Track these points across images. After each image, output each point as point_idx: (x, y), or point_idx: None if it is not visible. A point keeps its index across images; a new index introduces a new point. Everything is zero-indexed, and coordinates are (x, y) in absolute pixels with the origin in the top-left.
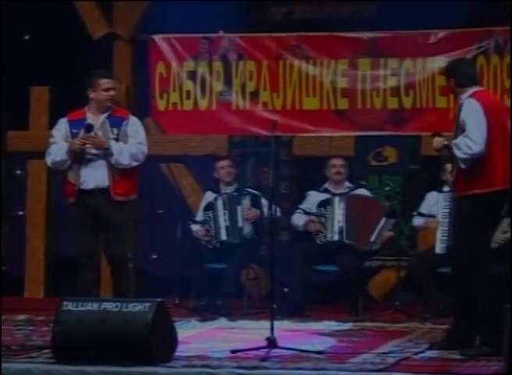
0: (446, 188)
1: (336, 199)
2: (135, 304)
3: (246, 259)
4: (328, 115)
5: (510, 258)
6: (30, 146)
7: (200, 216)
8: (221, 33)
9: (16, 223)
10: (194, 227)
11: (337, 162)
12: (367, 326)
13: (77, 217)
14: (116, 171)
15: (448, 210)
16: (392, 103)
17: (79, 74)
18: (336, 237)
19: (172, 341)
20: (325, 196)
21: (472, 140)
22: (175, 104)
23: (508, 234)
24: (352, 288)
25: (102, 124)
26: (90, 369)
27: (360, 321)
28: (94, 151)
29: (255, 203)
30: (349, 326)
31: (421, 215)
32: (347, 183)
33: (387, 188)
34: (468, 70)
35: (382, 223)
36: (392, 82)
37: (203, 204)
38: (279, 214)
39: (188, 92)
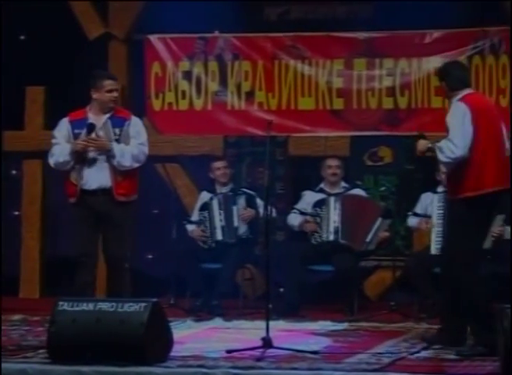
0: (440, 189)
1: (332, 199)
2: (130, 304)
3: (241, 259)
4: (323, 115)
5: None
6: (26, 146)
7: (195, 216)
8: (216, 34)
9: (12, 222)
10: (190, 227)
11: (333, 162)
12: (362, 327)
13: (77, 217)
14: (118, 172)
15: (442, 211)
16: (388, 103)
17: (74, 74)
18: (331, 237)
19: (167, 341)
20: (320, 196)
21: (454, 144)
22: (170, 104)
23: (502, 228)
24: (347, 288)
25: (104, 124)
26: (85, 369)
27: (355, 321)
28: (96, 152)
29: (251, 203)
30: (344, 326)
31: (416, 215)
32: (343, 184)
33: (382, 188)
34: (459, 73)
35: (377, 223)
36: (387, 82)
37: (198, 204)
38: (274, 214)
39: (183, 92)
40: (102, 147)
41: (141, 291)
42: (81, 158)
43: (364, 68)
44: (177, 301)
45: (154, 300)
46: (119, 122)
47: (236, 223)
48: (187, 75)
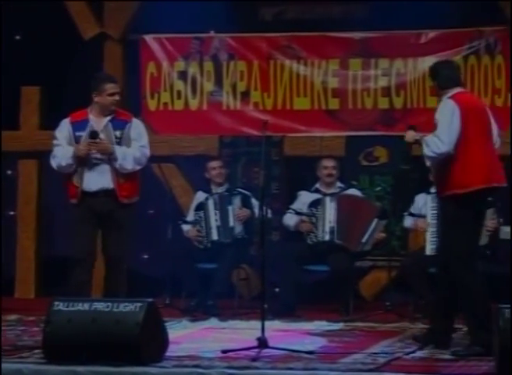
0: (433, 189)
1: (327, 199)
2: (126, 304)
3: (237, 259)
4: (319, 115)
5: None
6: (21, 146)
7: (191, 216)
8: (212, 34)
9: (7, 223)
10: (185, 227)
11: (329, 163)
12: (358, 327)
13: (78, 218)
14: (120, 175)
15: (436, 211)
16: (383, 103)
17: (70, 74)
18: (327, 238)
19: (162, 341)
20: (316, 196)
21: (441, 140)
22: (166, 104)
23: (495, 221)
24: (343, 288)
25: (105, 127)
26: (80, 369)
27: (351, 321)
28: (98, 155)
29: (246, 203)
30: (340, 326)
31: (412, 215)
32: (338, 184)
33: (378, 188)
34: (449, 72)
35: (373, 224)
36: (383, 82)
37: (194, 204)
38: (270, 215)
39: (179, 92)
40: (104, 150)
41: (137, 291)
42: (83, 162)
43: (359, 68)
44: (173, 301)
45: (150, 300)
46: (120, 124)
47: (231, 223)
48: (183, 75)
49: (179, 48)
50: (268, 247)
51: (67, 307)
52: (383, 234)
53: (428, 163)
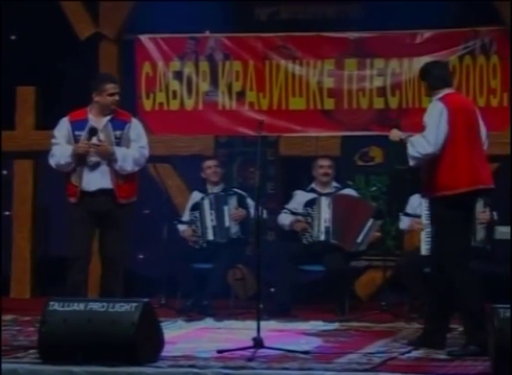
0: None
1: (323, 199)
2: (121, 304)
3: (232, 259)
4: (314, 115)
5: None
6: (17, 146)
7: (186, 216)
8: (207, 34)
9: (3, 223)
10: (181, 227)
11: (325, 162)
12: (353, 326)
13: (76, 217)
14: (120, 175)
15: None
16: (379, 103)
17: (65, 74)
18: (322, 237)
19: (158, 341)
20: (311, 196)
21: (427, 140)
22: (161, 104)
23: (485, 212)
24: (338, 288)
25: (105, 127)
26: (76, 369)
27: (346, 321)
28: (97, 157)
29: (242, 203)
30: (335, 326)
31: (407, 215)
32: (334, 183)
33: (373, 188)
34: (440, 73)
35: (369, 224)
36: (378, 82)
37: (190, 204)
38: (265, 215)
39: (174, 92)
40: (105, 152)
41: (132, 291)
42: (82, 161)
43: (354, 68)
44: (168, 302)
45: (145, 300)
46: (119, 124)
47: (227, 223)
48: (178, 75)
49: (174, 48)
50: (264, 247)
51: (63, 307)
52: (379, 234)
53: (411, 163)
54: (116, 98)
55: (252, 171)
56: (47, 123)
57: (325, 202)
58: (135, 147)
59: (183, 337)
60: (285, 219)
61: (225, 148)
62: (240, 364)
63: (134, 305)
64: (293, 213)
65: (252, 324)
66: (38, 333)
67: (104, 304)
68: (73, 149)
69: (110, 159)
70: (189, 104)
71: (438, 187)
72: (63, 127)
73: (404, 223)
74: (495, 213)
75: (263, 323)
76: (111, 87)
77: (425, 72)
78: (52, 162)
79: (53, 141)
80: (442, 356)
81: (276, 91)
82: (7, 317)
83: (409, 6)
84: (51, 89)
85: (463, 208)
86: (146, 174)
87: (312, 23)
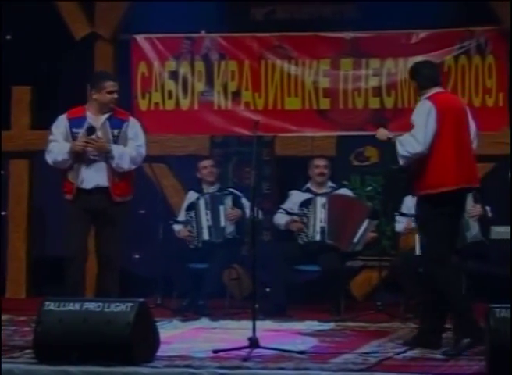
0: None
1: (318, 199)
2: (117, 304)
3: (228, 259)
4: (310, 115)
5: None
6: (12, 146)
7: (182, 216)
8: (203, 33)
9: None
10: (177, 227)
11: (321, 162)
12: (349, 326)
13: (72, 215)
14: (116, 173)
15: None
16: (374, 103)
17: (61, 74)
18: (317, 237)
19: (154, 341)
20: (307, 196)
21: (416, 139)
22: (157, 104)
23: (475, 206)
24: (334, 288)
25: (103, 125)
26: (72, 369)
27: (342, 321)
28: (95, 153)
29: (237, 203)
30: (331, 326)
31: (403, 215)
32: (330, 183)
33: (369, 188)
34: (428, 72)
35: (365, 224)
36: (373, 82)
37: (185, 204)
38: (261, 215)
39: (170, 92)
40: (101, 148)
41: (128, 291)
42: (80, 158)
43: (350, 68)
44: (164, 301)
45: (141, 300)
46: (117, 123)
47: (222, 223)
48: (174, 75)
49: (170, 48)
50: (259, 247)
51: (58, 307)
52: (374, 234)
53: (401, 162)
54: (115, 96)
55: (247, 171)
56: (42, 122)
57: (320, 202)
58: (132, 145)
59: (178, 337)
60: (280, 219)
61: (221, 148)
62: (235, 364)
63: (130, 305)
64: (289, 213)
65: (247, 324)
66: (34, 333)
67: (100, 304)
68: (71, 146)
69: (107, 157)
70: (184, 104)
71: (423, 185)
72: (61, 124)
73: (400, 225)
74: (488, 208)
75: (258, 323)
76: (110, 85)
77: (415, 72)
78: (49, 158)
79: (50, 137)
80: (438, 356)
81: (272, 90)
82: (3, 317)
83: (404, 6)
84: (46, 89)
85: (448, 207)
86: (142, 174)
87: (308, 23)
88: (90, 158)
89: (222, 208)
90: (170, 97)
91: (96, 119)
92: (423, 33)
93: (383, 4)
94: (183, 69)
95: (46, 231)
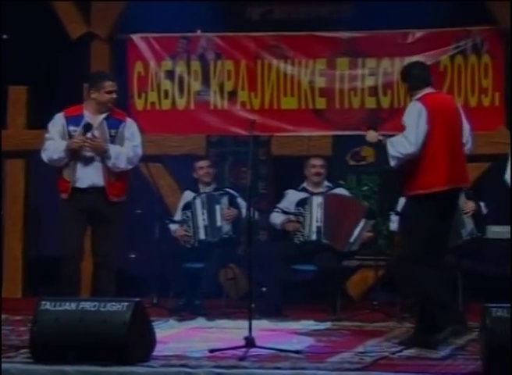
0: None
1: (315, 198)
2: (113, 303)
3: (224, 259)
4: (306, 114)
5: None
6: (8, 146)
7: (178, 216)
8: (199, 33)
9: None
10: (173, 227)
11: (317, 162)
12: (345, 326)
13: (67, 214)
14: (112, 173)
15: None
16: (370, 103)
17: (57, 74)
18: (314, 237)
19: (150, 341)
20: (303, 195)
21: (408, 140)
22: (153, 103)
23: (469, 203)
24: (330, 288)
25: (100, 124)
26: (68, 368)
27: (338, 320)
28: (91, 152)
29: (234, 203)
30: (327, 325)
31: (398, 214)
32: (326, 183)
33: (365, 188)
34: (419, 72)
35: (361, 224)
36: (370, 82)
37: (181, 203)
38: (257, 215)
39: (166, 92)
40: (98, 148)
41: (124, 291)
42: (76, 156)
43: (346, 67)
44: (160, 301)
45: (137, 299)
46: (114, 123)
47: (219, 223)
48: (170, 74)
49: (166, 48)
50: (256, 246)
51: (54, 306)
52: (370, 234)
53: (392, 163)
54: (114, 96)
55: (244, 171)
56: (39, 122)
57: (316, 202)
58: (129, 145)
59: (174, 336)
60: (276, 218)
61: (217, 148)
62: (231, 363)
63: (126, 304)
64: (285, 213)
65: (244, 324)
66: (30, 332)
67: (96, 303)
68: (67, 144)
69: (104, 156)
70: (181, 103)
71: (413, 186)
72: (58, 122)
73: (395, 224)
74: (482, 204)
75: (255, 323)
76: (109, 85)
77: (406, 73)
78: (45, 156)
79: (47, 135)
80: (434, 355)
81: (268, 90)
82: None
83: (401, 6)
84: (42, 88)
85: (438, 208)
86: (138, 174)
87: (304, 23)
88: (86, 156)
89: (218, 207)
90: (166, 96)
91: (93, 118)
92: (419, 33)
93: (379, 4)
94: (179, 69)
95: (42, 231)
